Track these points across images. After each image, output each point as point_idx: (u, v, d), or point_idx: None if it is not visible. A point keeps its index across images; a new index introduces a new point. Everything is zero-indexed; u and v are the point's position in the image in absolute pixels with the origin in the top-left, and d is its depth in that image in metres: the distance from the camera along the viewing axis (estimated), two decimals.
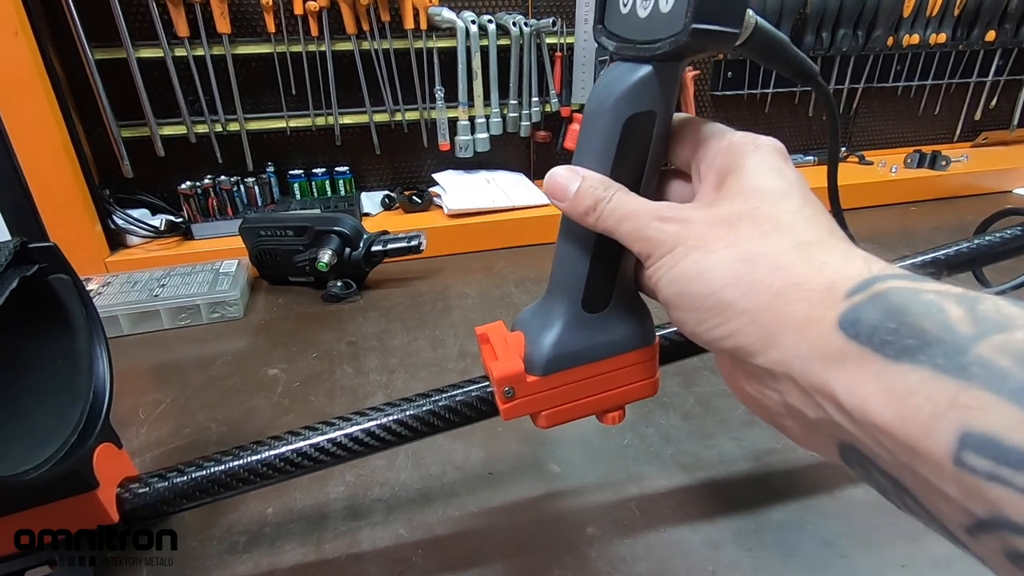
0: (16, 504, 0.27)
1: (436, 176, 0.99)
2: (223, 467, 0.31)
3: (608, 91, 0.28)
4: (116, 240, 0.84)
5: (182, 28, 0.79)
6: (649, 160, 0.30)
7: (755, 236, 0.21)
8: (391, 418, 0.33)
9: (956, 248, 0.41)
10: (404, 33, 0.88)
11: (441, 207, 0.94)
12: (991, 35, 1.12)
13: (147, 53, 0.80)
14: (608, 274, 0.32)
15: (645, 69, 0.27)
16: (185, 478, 0.30)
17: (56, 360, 0.31)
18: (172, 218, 0.86)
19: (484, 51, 0.91)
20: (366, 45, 0.87)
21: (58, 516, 0.28)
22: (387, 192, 0.97)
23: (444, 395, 0.34)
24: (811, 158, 1.15)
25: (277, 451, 0.32)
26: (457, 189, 0.95)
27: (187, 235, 0.86)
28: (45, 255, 0.31)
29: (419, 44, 0.89)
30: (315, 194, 0.96)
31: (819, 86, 0.35)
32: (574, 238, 0.31)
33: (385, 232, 0.78)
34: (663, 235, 0.24)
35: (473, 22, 0.88)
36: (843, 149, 1.19)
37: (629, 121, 0.28)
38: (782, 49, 0.32)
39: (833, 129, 0.40)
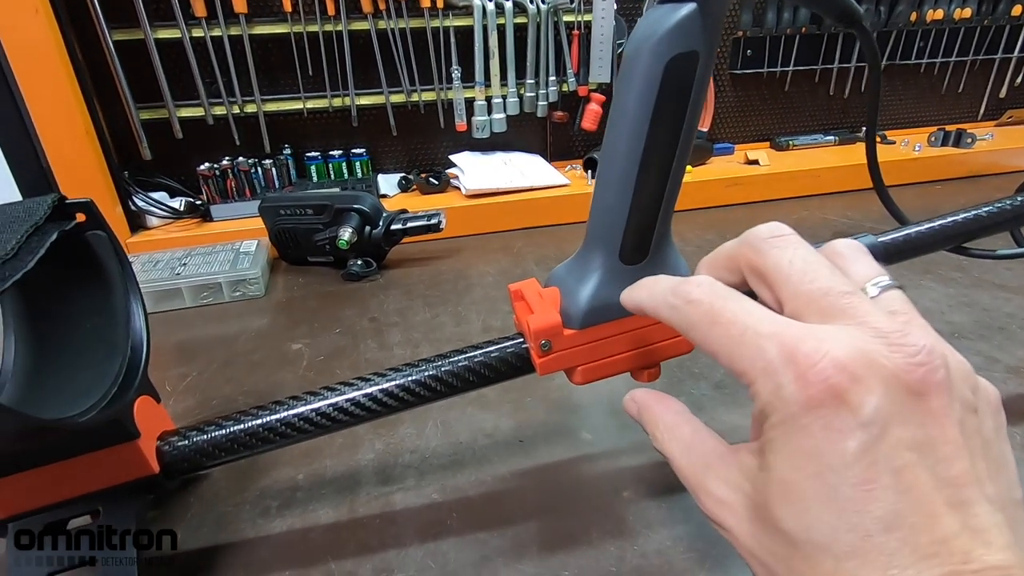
0: (65, 450, 0.27)
1: (453, 157, 0.98)
2: (261, 421, 0.31)
3: (650, 31, 0.27)
4: (136, 222, 0.84)
5: (199, 8, 0.79)
6: (690, 106, 0.29)
7: None
8: (426, 374, 0.33)
9: (999, 205, 0.40)
10: (421, 12, 0.87)
11: (458, 188, 0.94)
12: (1017, 9, 1.09)
13: (165, 34, 0.80)
14: (647, 224, 0.31)
15: (689, 7, 0.27)
16: (224, 431, 0.30)
17: (94, 315, 0.31)
18: (191, 199, 0.86)
19: (501, 30, 0.90)
20: (383, 24, 0.87)
21: (102, 465, 0.28)
22: (404, 174, 0.97)
23: (479, 350, 0.33)
24: (832, 137, 1.13)
25: (313, 406, 0.31)
26: (475, 170, 0.94)
27: (206, 216, 0.86)
28: (82, 210, 0.31)
29: (436, 23, 0.88)
30: (332, 176, 0.96)
31: (863, 31, 0.34)
32: (613, 187, 0.31)
33: (404, 211, 0.78)
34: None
35: (490, 0, 0.87)
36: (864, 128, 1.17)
37: (672, 62, 0.27)
38: None
39: (875, 79, 0.39)
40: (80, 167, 0.76)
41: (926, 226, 0.39)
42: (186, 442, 0.31)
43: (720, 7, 0.27)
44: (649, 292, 0.22)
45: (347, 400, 0.32)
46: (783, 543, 0.16)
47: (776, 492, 0.16)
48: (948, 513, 0.15)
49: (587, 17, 0.94)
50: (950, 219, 0.39)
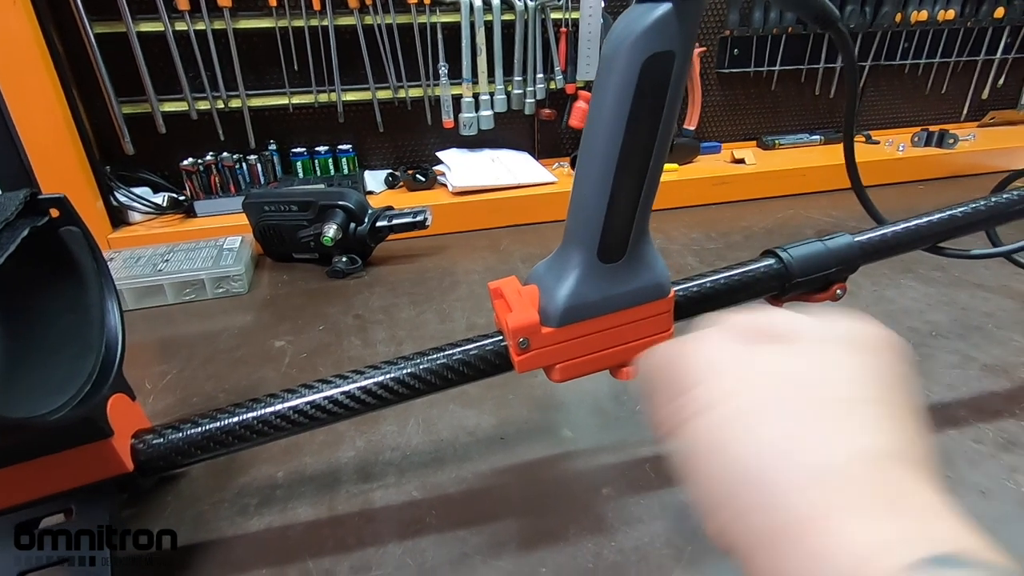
0: (35, 449, 0.26)
1: (440, 154, 0.98)
2: (237, 419, 0.30)
3: (627, 31, 0.27)
4: (118, 217, 0.83)
5: (183, 1, 0.78)
6: (667, 105, 0.29)
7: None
8: (404, 372, 0.33)
9: (973, 206, 0.41)
10: (408, 7, 0.87)
11: (445, 185, 0.93)
12: (1000, 12, 1.11)
13: (147, 27, 0.79)
14: (625, 222, 0.31)
15: (665, 7, 0.27)
16: (199, 429, 0.30)
17: (68, 312, 0.31)
18: (175, 195, 0.85)
19: (488, 26, 0.90)
20: (369, 20, 0.86)
21: (74, 464, 0.27)
22: (391, 170, 0.96)
23: (458, 349, 0.33)
24: (817, 137, 1.14)
25: (291, 403, 0.31)
26: (462, 167, 0.94)
27: (190, 212, 0.85)
28: (55, 206, 0.31)
29: (423, 19, 0.88)
30: (318, 172, 0.95)
31: (839, 32, 0.34)
32: (591, 185, 0.31)
33: (390, 208, 0.77)
34: None
35: None
36: None
37: (648, 62, 0.27)
38: None
39: (851, 81, 0.40)
40: (60, 162, 0.75)
41: (902, 226, 0.39)
42: (161, 440, 0.30)
43: (696, 7, 0.27)
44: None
45: (325, 398, 0.32)
46: None
47: None
48: None
49: (575, 15, 0.94)
50: (925, 219, 0.40)
